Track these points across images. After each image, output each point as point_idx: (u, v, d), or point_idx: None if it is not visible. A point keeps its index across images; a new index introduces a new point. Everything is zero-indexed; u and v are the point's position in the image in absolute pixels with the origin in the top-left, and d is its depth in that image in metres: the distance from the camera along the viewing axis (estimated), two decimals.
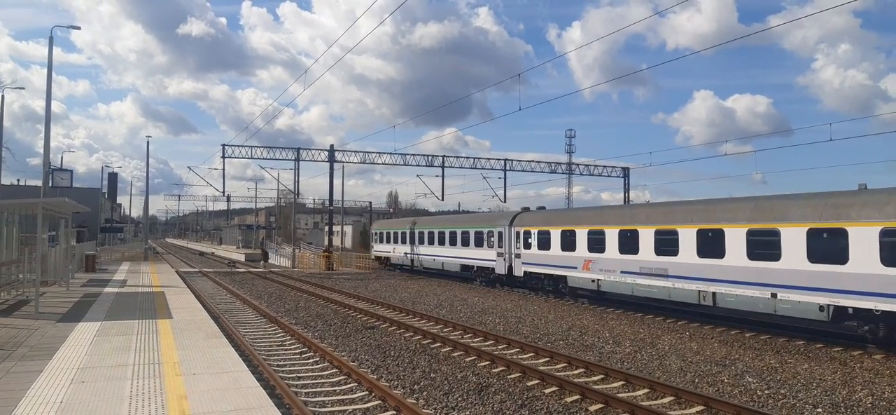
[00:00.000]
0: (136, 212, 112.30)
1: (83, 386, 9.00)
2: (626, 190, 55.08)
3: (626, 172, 54.98)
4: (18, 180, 65.63)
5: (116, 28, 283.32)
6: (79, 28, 56.61)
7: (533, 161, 54.10)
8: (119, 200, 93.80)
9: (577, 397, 11.03)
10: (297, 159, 50.52)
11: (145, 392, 8.68)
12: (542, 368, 13.09)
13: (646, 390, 11.62)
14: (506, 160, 52.10)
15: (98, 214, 60.49)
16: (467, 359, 14.33)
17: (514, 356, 14.42)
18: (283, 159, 50.02)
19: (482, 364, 13.71)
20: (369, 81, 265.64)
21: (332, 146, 50.30)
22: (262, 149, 50.18)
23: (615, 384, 12.13)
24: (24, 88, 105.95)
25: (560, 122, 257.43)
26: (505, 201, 54.71)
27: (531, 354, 14.85)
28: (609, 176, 55.86)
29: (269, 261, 61.27)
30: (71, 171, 52.38)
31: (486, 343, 16.26)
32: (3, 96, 51.45)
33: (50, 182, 37.78)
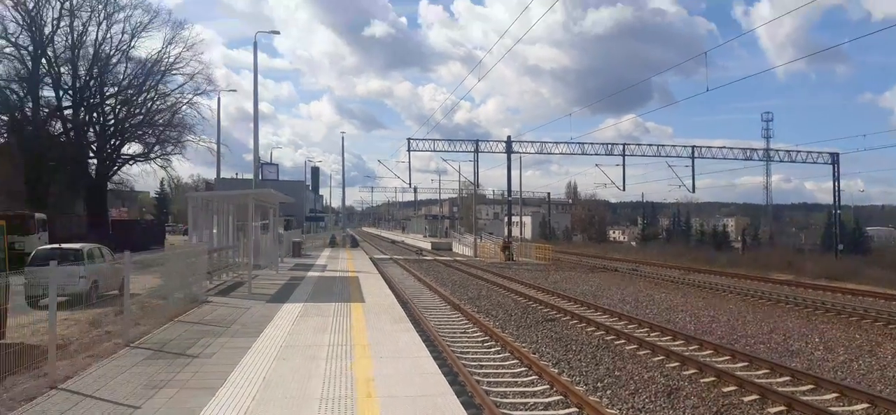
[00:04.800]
0: (335, 202, 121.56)
1: (284, 363, 9.76)
2: (836, 178, 48.93)
3: (835, 159, 48.67)
4: (236, 174, 73.78)
5: (311, 33, 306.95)
6: (278, 32, 63.42)
7: (724, 147, 49.74)
8: (321, 191, 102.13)
9: (782, 407, 9.92)
10: (476, 151, 51.44)
11: (337, 372, 9.19)
12: (739, 373, 11.98)
13: (865, 405, 10.16)
14: (693, 147, 48.67)
15: (303, 204, 66.05)
16: (655, 359, 13.54)
17: (708, 359, 13.37)
18: (463, 151, 51.30)
19: (671, 365, 12.87)
20: (543, 71, 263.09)
21: (509, 137, 50.51)
22: (443, 142, 51.91)
23: (827, 396, 10.75)
24: (235, 91, 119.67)
25: (749, 105, 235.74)
26: (693, 191, 51.31)
27: (727, 357, 13.67)
28: (814, 163, 50.04)
29: (453, 250, 62.99)
30: (276, 165, 58.01)
31: (676, 343, 15.27)
32: (219, 99, 58.12)
33: (260, 175, 41.99)
